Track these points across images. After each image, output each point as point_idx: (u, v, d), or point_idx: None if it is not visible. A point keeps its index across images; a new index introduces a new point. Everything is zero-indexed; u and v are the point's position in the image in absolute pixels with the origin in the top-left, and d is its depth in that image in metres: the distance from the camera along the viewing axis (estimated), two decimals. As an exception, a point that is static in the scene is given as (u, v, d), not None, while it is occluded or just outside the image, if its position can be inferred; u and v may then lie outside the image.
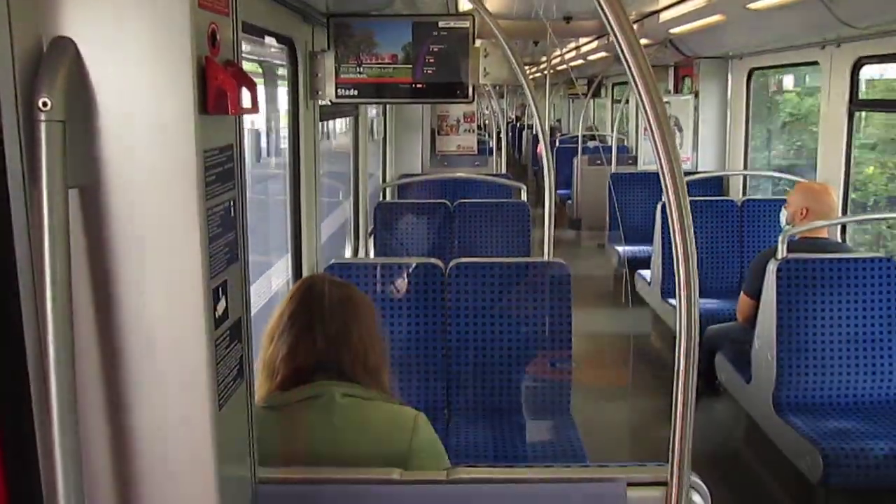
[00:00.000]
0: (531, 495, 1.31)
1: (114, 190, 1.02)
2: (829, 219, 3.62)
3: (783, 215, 3.78)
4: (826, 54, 4.70)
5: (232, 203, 1.15)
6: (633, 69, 1.17)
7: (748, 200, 5.18)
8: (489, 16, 2.87)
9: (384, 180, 6.15)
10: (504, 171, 7.31)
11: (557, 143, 10.11)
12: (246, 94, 1.09)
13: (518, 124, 16.55)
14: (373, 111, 5.55)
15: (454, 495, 1.32)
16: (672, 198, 1.21)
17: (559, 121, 15.90)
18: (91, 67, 1.00)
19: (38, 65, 0.97)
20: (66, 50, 0.98)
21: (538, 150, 12.89)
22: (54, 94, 0.94)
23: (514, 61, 2.90)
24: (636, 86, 1.18)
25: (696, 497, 1.32)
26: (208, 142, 1.05)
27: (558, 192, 9.56)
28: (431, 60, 2.90)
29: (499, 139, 7.57)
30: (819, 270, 3.17)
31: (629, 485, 1.32)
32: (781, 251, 3.20)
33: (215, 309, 1.09)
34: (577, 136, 9.17)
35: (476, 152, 8.48)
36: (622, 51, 1.17)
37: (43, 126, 0.94)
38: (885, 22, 3.87)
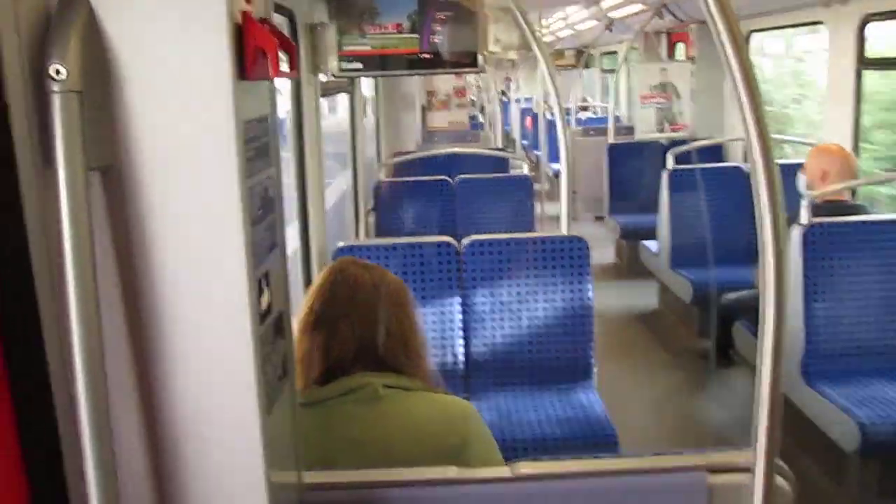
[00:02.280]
0: (608, 490, 1.21)
1: (140, 171, 0.89)
2: (849, 180, 3.50)
3: (800, 180, 3.67)
4: (831, 12, 4.58)
5: (270, 181, 1.02)
6: (721, 30, 1.06)
7: None
8: (498, -21, 2.72)
9: (379, 159, 5.99)
10: (499, 145, 7.16)
11: (549, 117, 9.94)
12: (283, 57, 0.96)
13: (504, 98, 16.36)
14: (368, 89, 5.40)
15: (522, 494, 1.21)
16: (762, 164, 1.09)
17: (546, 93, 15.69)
18: (108, 29, 0.86)
19: (46, 26, 0.83)
20: (78, 8, 0.84)
21: (527, 124, 12.75)
22: (68, 60, 0.80)
23: (526, 27, 2.76)
24: (721, 42, 1.06)
25: (781, 482, 1.22)
26: (246, 112, 0.92)
27: (551, 164, 9.44)
28: (438, 29, 2.77)
29: (492, 114, 7.42)
30: (846, 234, 3.08)
31: (710, 471, 1.22)
32: (806, 216, 3.10)
33: (259, 302, 0.96)
34: (570, 108, 9.03)
35: (468, 128, 8.34)
36: (710, 13, 1.05)
37: (57, 98, 0.80)
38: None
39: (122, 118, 0.87)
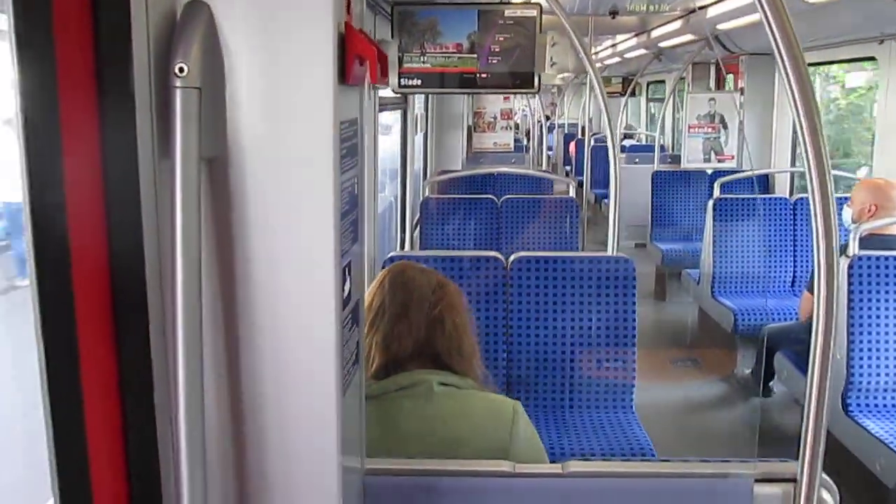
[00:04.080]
0: (653, 491, 1.26)
1: (246, 162, 0.97)
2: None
3: (846, 213, 3.69)
4: (885, 49, 4.58)
5: (356, 180, 1.11)
6: (784, 56, 1.12)
7: (801, 198, 5.07)
8: (558, 6, 2.81)
9: (425, 176, 6.10)
10: (545, 168, 7.23)
11: (593, 142, 10.02)
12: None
13: (548, 123, 16.47)
14: (419, 107, 5.52)
15: (571, 489, 1.27)
16: (818, 195, 1.14)
17: (591, 120, 15.78)
18: (226, 34, 0.95)
19: (171, 30, 0.93)
20: (200, 15, 0.93)
21: (570, 149, 12.81)
22: (190, 59, 0.89)
23: (582, 51, 2.84)
24: (789, 78, 1.12)
25: (825, 495, 1.26)
26: (343, 114, 1.01)
27: (594, 191, 9.46)
28: (497, 50, 2.86)
29: (541, 136, 7.49)
30: (892, 267, 3.08)
31: (756, 481, 1.26)
32: (853, 248, 3.11)
33: (343, 289, 1.04)
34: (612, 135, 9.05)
35: (512, 149, 8.42)
36: (776, 42, 1.11)
37: (178, 93, 0.89)
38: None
39: (232, 113, 0.96)
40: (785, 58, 1.15)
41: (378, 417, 1.48)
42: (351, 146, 1.07)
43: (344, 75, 0.98)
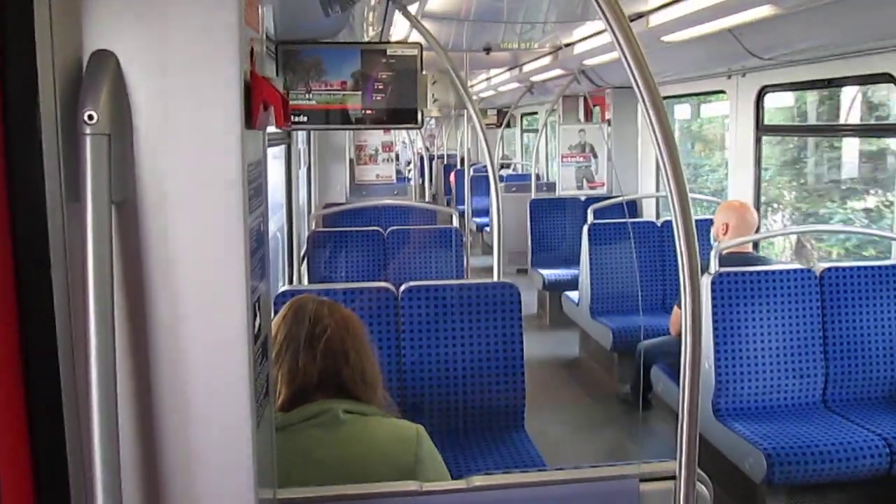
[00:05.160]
0: (551, 497, 1.35)
1: (155, 205, 1.00)
2: (749, 234, 3.86)
3: (713, 232, 4.01)
4: (732, 83, 5.04)
5: (262, 218, 1.16)
6: (642, 90, 1.26)
7: (667, 221, 5.44)
8: (438, 46, 2.94)
9: (309, 210, 6.11)
10: (426, 199, 7.39)
11: (472, 172, 10.32)
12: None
13: (429, 154, 16.76)
14: (302, 142, 5.53)
15: (476, 502, 1.34)
16: (680, 219, 1.28)
17: (469, 150, 16.21)
18: (133, 81, 0.98)
19: (78, 78, 0.95)
20: (107, 63, 0.97)
21: (450, 180, 13.09)
22: (99, 107, 0.92)
23: (461, 89, 2.98)
24: (646, 109, 1.26)
25: (701, 487, 1.39)
26: (249, 156, 1.06)
27: (475, 219, 9.72)
28: (381, 87, 2.95)
29: (422, 168, 7.64)
30: (749, 282, 3.38)
31: (641, 480, 1.38)
32: (714, 265, 3.39)
33: (254, 324, 1.08)
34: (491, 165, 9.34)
35: (395, 181, 8.53)
36: (635, 79, 1.25)
37: (89, 140, 0.92)
38: (788, 52, 4.20)
39: (141, 158, 0.99)
40: (643, 91, 1.28)
41: (287, 448, 1.51)
42: (257, 186, 1.12)
43: (250, 120, 1.03)
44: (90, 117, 0.92)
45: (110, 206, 0.94)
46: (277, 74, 2.89)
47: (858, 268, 3.49)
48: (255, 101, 1.03)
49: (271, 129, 1.15)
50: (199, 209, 1.01)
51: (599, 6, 1.23)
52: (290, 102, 2.91)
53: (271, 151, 5.02)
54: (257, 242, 1.12)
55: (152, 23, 0.98)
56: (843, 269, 3.49)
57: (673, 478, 1.37)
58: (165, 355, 1.03)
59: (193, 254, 1.02)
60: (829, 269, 3.48)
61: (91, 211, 0.92)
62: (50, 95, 0.92)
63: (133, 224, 1.01)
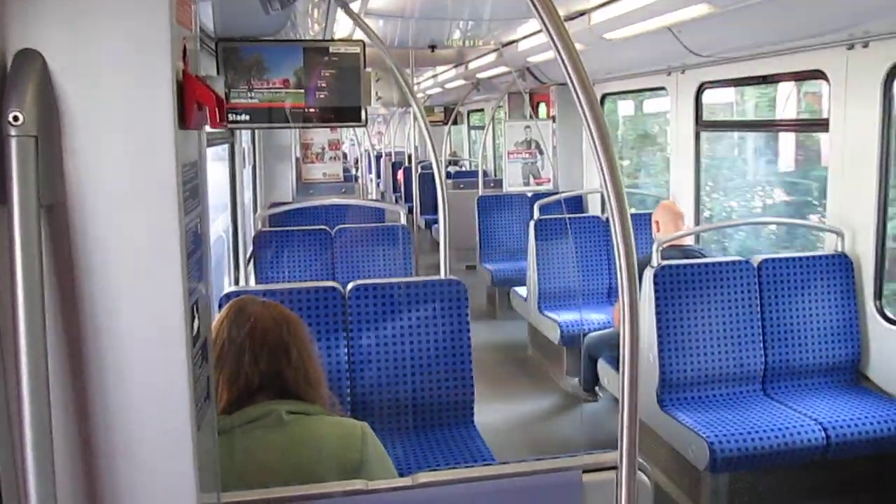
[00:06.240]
0: (497, 491, 1.37)
1: (86, 208, 0.98)
2: (677, 228, 3.97)
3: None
4: (672, 80, 5.14)
5: (199, 220, 1.14)
6: (577, 89, 1.27)
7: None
8: (381, 44, 2.94)
9: (255, 209, 6.03)
10: (374, 197, 7.36)
11: (420, 170, 10.33)
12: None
13: (376, 152, 16.70)
14: (246, 141, 5.46)
15: (423, 499, 1.35)
16: (616, 215, 1.30)
17: (416, 148, 16.21)
18: (60, 81, 0.96)
19: (2, 79, 0.93)
20: (33, 63, 0.94)
21: (398, 177, 13.06)
22: (25, 108, 0.90)
23: (405, 86, 2.98)
24: (581, 107, 1.28)
25: (641, 476, 1.43)
26: (184, 157, 1.04)
27: (423, 216, 9.72)
28: (323, 85, 2.93)
29: (369, 166, 7.61)
30: (689, 274, 3.46)
31: (584, 471, 1.41)
32: (656, 259, 3.46)
33: (193, 327, 1.07)
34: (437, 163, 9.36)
35: (342, 180, 8.48)
36: (570, 77, 1.27)
37: (14, 142, 0.89)
38: (725, 50, 4.31)
39: (71, 160, 0.97)
40: (578, 90, 1.30)
41: (231, 451, 1.49)
42: (193, 187, 1.10)
43: (184, 120, 1.01)
44: (15, 118, 0.89)
45: (38, 209, 0.91)
46: (218, 73, 2.84)
47: (793, 258, 3.61)
48: (189, 101, 1.02)
49: (213, 129, 1.13)
50: (132, 211, 0.99)
51: (534, 4, 1.24)
52: (232, 101, 2.87)
53: (215, 151, 4.95)
54: (195, 244, 1.10)
55: (80, 21, 0.96)
56: (779, 259, 3.60)
57: (615, 468, 1.39)
58: (101, 361, 1.01)
59: (127, 257, 1.00)
60: (766, 260, 3.59)
61: (18, 215, 0.89)
62: None
63: (64, 228, 0.98)
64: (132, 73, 0.97)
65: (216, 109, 1.04)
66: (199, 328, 1.11)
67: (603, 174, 1.30)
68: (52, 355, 0.94)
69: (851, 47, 3.52)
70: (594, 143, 1.30)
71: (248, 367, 1.58)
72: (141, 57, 0.97)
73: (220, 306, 2.62)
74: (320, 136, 8.15)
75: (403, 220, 5.00)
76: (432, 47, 6.10)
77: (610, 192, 1.30)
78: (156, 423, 1.03)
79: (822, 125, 3.82)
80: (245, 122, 2.91)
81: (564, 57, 1.27)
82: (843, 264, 3.58)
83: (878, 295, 3.54)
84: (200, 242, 1.14)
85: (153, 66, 0.98)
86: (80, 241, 0.98)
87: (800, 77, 4.26)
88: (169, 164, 0.99)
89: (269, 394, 1.59)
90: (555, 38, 1.26)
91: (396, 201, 12.21)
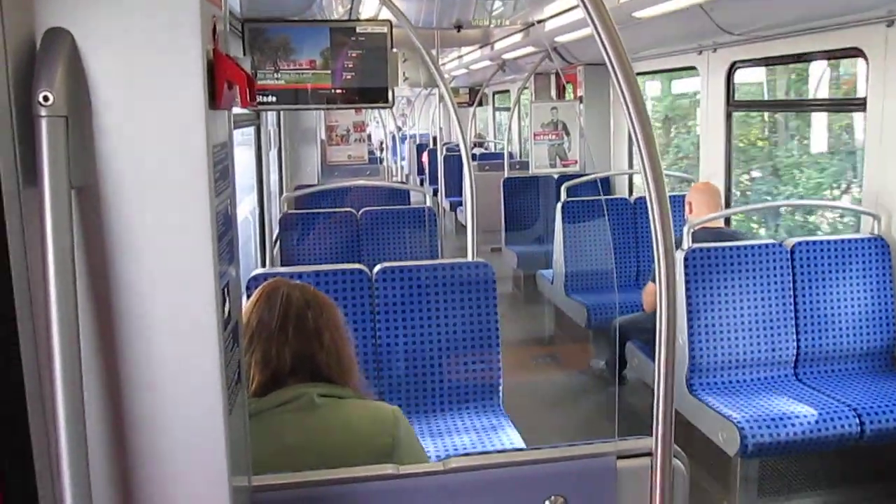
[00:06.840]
0: (529, 476, 1.35)
1: (118, 189, 0.97)
2: (710, 210, 3.89)
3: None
4: (703, 59, 5.04)
5: (229, 201, 1.13)
6: (615, 67, 1.24)
7: (640, 198, 5.46)
8: (408, 24, 2.90)
9: (281, 192, 6.04)
10: (399, 179, 7.35)
11: (445, 151, 10.31)
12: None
13: (400, 134, 16.69)
14: (272, 123, 5.46)
15: (454, 484, 1.34)
16: (655, 196, 1.27)
17: (441, 129, 16.16)
18: (90, 61, 0.95)
19: (31, 58, 0.91)
20: (63, 42, 0.92)
21: (422, 160, 13.03)
22: (55, 88, 0.88)
23: (432, 66, 2.94)
24: (620, 86, 1.24)
25: (677, 463, 1.40)
26: (214, 137, 1.02)
27: (448, 199, 9.69)
28: (350, 66, 2.90)
29: (394, 148, 7.59)
30: (721, 257, 3.40)
31: (618, 458, 1.38)
32: (687, 241, 3.41)
33: (223, 310, 1.06)
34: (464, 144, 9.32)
35: (367, 162, 8.47)
36: (608, 55, 1.23)
37: (44, 122, 0.88)
38: (757, 28, 4.21)
39: (101, 141, 0.96)
40: (616, 68, 1.26)
41: (262, 434, 1.49)
42: (223, 168, 1.08)
43: (214, 100, 0.99)
44: (45, 98, 0.88)
45: (69, 191, 0.90)
46: (245, 54, 2.83)
47: (828, 241, 3.53)
48: (219, 81, 1.00)
49: (239, 110, 1.12)
50: (163, 193, 0.98)
51: (572, -20, 1.20)
52: (258, 82, 2.85)
53: (238, 135, 4.96)
54: (225, 226, 1.09)
55: (109, 0, 0.94)
56: (813, 242, 3.52)
57: (649, 454, 1.37)
58: (132, 344, 1.00)
59: (158, 239, 0.99)
60: (800, 243, 3.51)
61: (49, 197, 0.88)
62: (2, 76, 0.88)
63: (95, 209, 0.97)
64: (162, 52, 0.96)
65: (247, 89, 1.02)
66: (229, 311, 1.10)
67: (641, 154, 1.27)
68: (83, 337, 0.94)
69: (891, 24, 3.41)
70: (632, 122, 1.27)
71: (279, 350, 1.57)
72: (171, 35, 0.95)
73: (248, 289, 2.63)
74: (345, 118, 8.14)
75: (429, 203, 4.97)
76: (458, 27, 6.04)
77: (648, 172, 1.26)
78: (187, 405, 1.02)
79: (859, 105, 3.73)
80: (272, 103, 2.89)
81: (602, 34, 1.23)
82: (879, 247, 3.50)
83: (916, 279, 3.46)
84: (230, 225, 1.13)
85: (183, 44, 0.96)
86: (112, 224, 0.97)
87: (835, 56, 4.15)
88: (200, 144, 0.98)
89: (301, 377, 1.58)
90: (593, 14, 1.22)
91: (421, 183, 12.19)
